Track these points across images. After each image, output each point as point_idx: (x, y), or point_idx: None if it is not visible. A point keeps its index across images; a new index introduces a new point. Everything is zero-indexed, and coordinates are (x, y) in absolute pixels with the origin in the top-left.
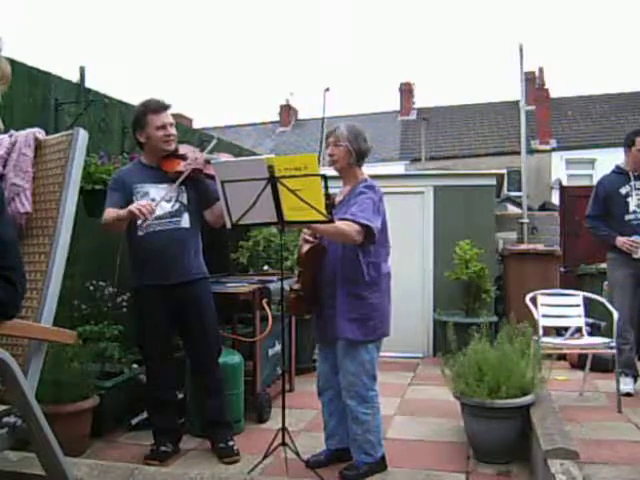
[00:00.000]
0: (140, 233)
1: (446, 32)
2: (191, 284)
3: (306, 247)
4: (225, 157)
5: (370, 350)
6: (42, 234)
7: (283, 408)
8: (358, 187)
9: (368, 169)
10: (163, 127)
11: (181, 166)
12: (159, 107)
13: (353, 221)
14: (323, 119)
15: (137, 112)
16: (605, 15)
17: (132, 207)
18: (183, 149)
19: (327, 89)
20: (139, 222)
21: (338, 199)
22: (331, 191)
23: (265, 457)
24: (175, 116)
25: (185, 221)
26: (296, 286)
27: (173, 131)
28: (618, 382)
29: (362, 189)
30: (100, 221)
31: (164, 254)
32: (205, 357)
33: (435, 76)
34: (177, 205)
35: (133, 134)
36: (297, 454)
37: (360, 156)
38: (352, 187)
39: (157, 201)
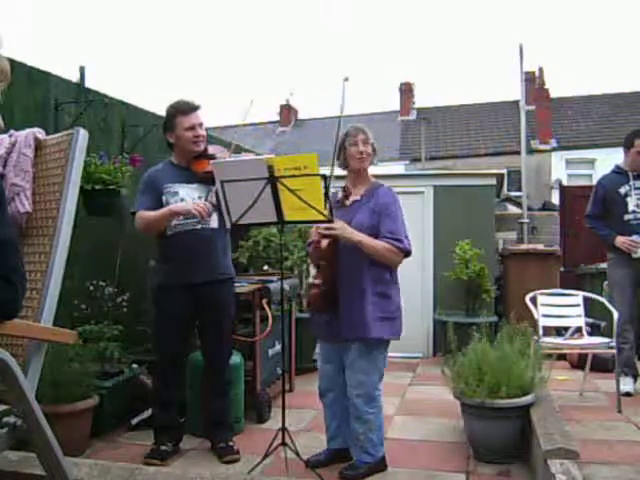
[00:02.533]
0: (169, 232)
1: (446, 32)
2: (216, 284)
3: (327, 241)
4: (249, 157)
5: (386, 348)
6: (42, 234)
7: (283, 408)
8: (378, 191)
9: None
10: (192, 128)
11: (210, 166)
12: (188, 108)
13: (396, 246)
14: (341, 112)
15: (167, 113)
16: (605, 15)
17: (191, 207)
18: (213, 149)
19: (346, 78)
20: (192, 220)
21: (353, 198)
22: (332, 190)
23: (265, 457)
24: None
25: (214, 221)
26: (317, 281)
27: (202, 132)
28: (618, 382)
29: (386, 197)
30: (136, 224)
31: (191, 253)
32: (218, 357)
33: (435, 76)
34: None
35: (163, 135)
36: (297, 454)
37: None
38: (368, 188)
39: (209, 202)
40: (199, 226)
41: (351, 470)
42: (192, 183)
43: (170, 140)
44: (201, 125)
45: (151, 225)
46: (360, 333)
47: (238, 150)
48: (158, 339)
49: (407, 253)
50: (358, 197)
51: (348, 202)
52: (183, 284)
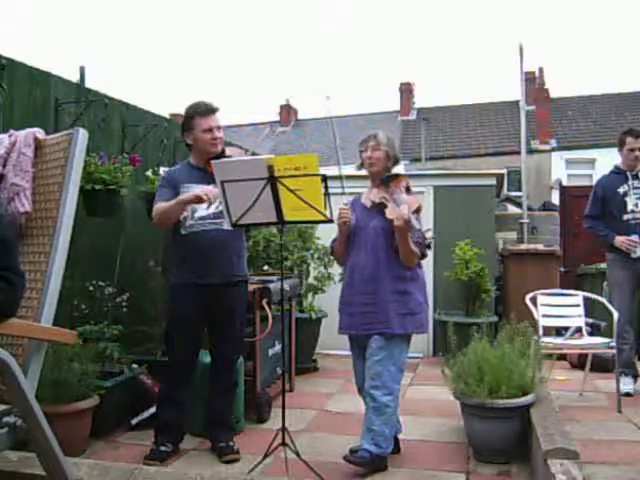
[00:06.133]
0: (183, 232)
1: (446, 32)
2: (227, 286)
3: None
4: (249, 157)
5: (406, 342)
6: (42, 234)
7: (283, 408)
8: (397, 192)
9: None
10: (209, 130)
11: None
12: (206, 110)
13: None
14: (332, 126)
15: (185, 114)
16: (605, 15)
17: (198, 191)
18: (230, 151)
19: (328, 97)
20: (204, 206)
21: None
22: (336, 190)
23: (265, 457)
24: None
25: (227, 223)
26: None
27: (219, 134)
28: (618, 382)
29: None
30: (153, 216)
31: (204, 254)
32: (227, 358)
33: (435, 76)
34: (221, 207)
35: (182, 136)
36: (297, 454)
37: (394, 163)
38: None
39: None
40: (213, 227)
41: (356, 457)
42: (209, 184)
43: (188, 141)
44: (219, 128)
45: (164, 216)
46: (380, 327)
47: (254, 155)
48: (170, 338)
49: (422, 256)
50: (377, 201)
51: (369, 205)
52: (197, 284)
